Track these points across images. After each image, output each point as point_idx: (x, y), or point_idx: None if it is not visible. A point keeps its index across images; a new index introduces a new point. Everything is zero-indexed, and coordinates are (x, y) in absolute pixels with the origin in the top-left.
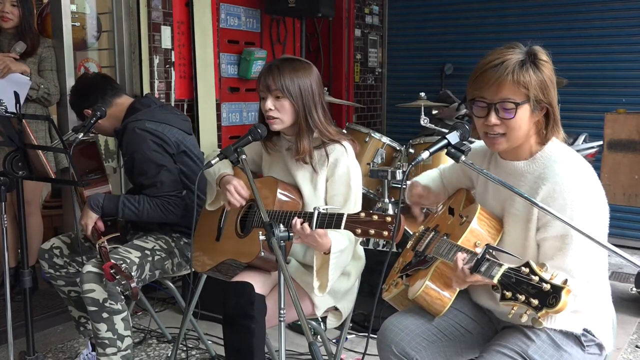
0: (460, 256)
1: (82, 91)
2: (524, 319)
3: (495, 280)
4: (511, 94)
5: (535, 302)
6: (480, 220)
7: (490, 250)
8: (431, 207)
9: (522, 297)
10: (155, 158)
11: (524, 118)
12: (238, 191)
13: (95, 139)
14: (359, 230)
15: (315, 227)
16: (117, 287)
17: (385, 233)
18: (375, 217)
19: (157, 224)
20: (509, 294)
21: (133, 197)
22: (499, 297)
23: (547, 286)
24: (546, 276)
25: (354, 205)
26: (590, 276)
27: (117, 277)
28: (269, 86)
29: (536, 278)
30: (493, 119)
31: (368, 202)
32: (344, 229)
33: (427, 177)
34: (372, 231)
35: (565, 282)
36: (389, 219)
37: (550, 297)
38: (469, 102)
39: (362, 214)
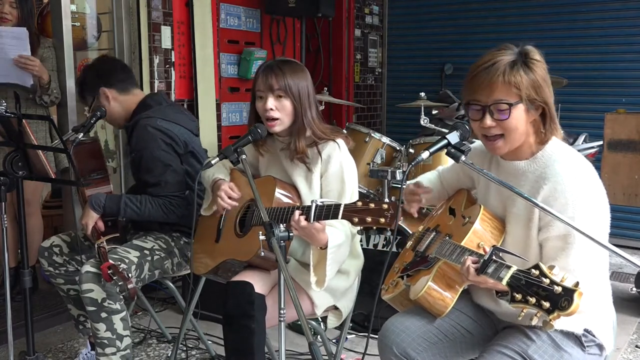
0: (471, 258)
1: (106, 70)
2: (535, 321)
3: (504, 282)
4: (503, 95)
5: (546, 304)
6: (483, 221)
7: (497, 252)
8: (430, 205)
9: (533, 300)
10: (163, 157)
11: (519, 118)
12: (229, 195)
13: (96, 137)
14: (356, 219)
15: (314, 220)
16: (115, 288)
17: (382, 220)
18: (372, 205)
19: (157, 223)
20: (519, 296)
21: (135, 197)
22: (509, 299)
23: (558, 289)
24: (557, 278)
25: (349, 200)
26: (596, 274)
27: (114, 278)
28: (272, 86)
29: (547, 280)
30: (488, 121)
31: None
32: (342, 218)
33: (425, 180)
34: (369, 219)
35: (577, 284)
36: (385, 206)
37: (562, 299)
38: (465, 106)
39: (359, 203)
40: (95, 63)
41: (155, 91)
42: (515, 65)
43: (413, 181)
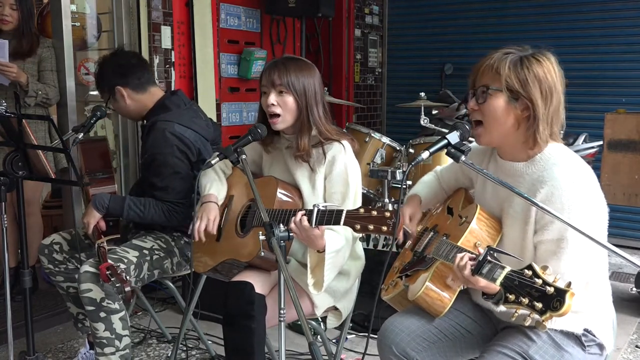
0: (459, 255)
1: (123, 67)
2: (528, 322)
3: (497, 283)
4: (488, 80)
5: (539, 305)
6: (479, 220)
7: (492, 252)
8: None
9: (526, 300)
10: (175, 164)
11: (497, 107)
12: (208, 230)
13: (105, 137)
14: (358, 226)
15: (315, 224)
16: (113, 288)
17: (384, 228)
18: (374, 213)
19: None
20: (512, 296)
21: (139, 200)
22: (502, 299)
23: (550, 289)
24: (549, 279)
25: (353, 203)
26: (587, 279)
27: (112, 279)
28: (274, 81)
29: (539, 281)
30: (471, 103)
31: (368, 202)
32: (343, 224)
33: (424, 185)
34: (371, 226)
35: (569, 285)
36: (387, 214)
37: (554, 300)
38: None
39: (362, 210)
40: (111, 58)
41: (173, 89)
42: (509, 56)
43: (413, 191)
